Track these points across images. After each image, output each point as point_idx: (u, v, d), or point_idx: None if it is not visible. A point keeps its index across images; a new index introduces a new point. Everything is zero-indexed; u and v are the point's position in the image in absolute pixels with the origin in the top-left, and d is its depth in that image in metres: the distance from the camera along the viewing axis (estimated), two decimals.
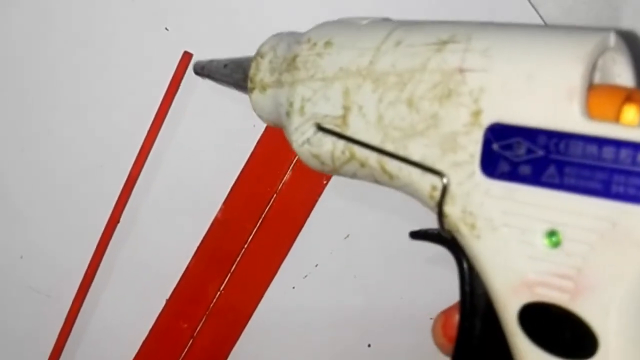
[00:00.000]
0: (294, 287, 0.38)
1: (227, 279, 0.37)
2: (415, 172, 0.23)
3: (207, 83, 0.37)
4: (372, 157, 0.24)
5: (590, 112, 0.20)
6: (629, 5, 0.39)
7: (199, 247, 0.37)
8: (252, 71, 0.29)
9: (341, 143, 0.25)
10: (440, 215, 0.22)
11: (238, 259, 0.37)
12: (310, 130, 0.26)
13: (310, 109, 0.26)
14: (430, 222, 0.27)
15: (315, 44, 0.26)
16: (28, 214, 0.37)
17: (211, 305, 0.37)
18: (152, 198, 0.37)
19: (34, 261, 0.38)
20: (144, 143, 0.37)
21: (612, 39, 0.21)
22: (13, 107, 0.37)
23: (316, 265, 0.38)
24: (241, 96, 0.38)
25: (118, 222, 0.37)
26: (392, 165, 0.24)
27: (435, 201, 0.22)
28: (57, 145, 0.37)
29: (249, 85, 0.29)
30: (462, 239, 0.22)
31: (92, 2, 0.37)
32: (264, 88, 0.28)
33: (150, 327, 0.37)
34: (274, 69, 0.28)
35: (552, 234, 0.20)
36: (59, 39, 0.37)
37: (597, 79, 0.22)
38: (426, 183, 0.23)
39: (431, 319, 0.37)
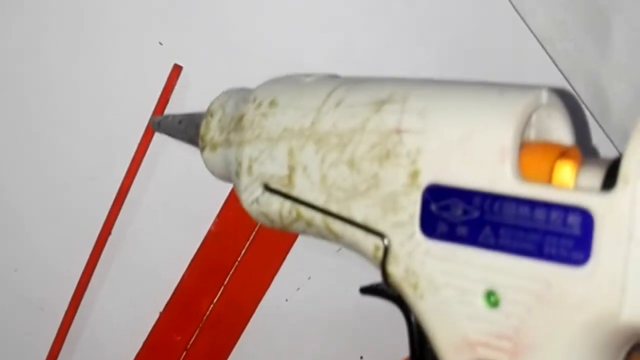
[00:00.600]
0: (287, 300, 0.38)
1: (220, 291, 0.37)
2: (358, 233, 0.23)
3: (197, 96, 0.37)
4: (317, 217, 0.24)
5: (523, 171, 0.20)
6: (620, 15, 0.39)
7: (192, 260, 0.37)
8: (202, 130, 0.29)
9: (288, 203, 0.25)
10: (385, 274, 0.23)
11: (231, 271, 0.37)
12: (258, 190, 0.26)
13: (258, 169, 0.26)
14: None
15: (260, 104, 0.27)
16: (21, 227, 0.37)
17: (204, 317, 0.37)
18: (144, 210, 0.37)
19: (27, 274, 0.37)
20: (135, 155, 0.37)
21: (544, 96, 0.22)
22: (6, 120, 0.37)
23: (309, 278, 0.38)
24: None
25: (110, 234, 0.37)
26: (337, 225, 0.24)
27: (378, 261, 0.23)
28: (48, 158, 0.37)
29: (200, 143, 0.29)
30: (407, 298, 0.22)
31: (86, 16, 0.37)
32: (214, 147, 0.28)
33: (143, 339, 0.37)
34: (223, 128, 0.28)
35: (490, 294, 0.21)
36: (53, 50, 0.37)
37: (533, 135, 0.22)
38: (369, 243, 0.23)
39: None
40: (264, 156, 0.26)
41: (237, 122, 0.27)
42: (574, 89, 0.38)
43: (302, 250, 0.37)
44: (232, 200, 0.37)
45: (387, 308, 0.38)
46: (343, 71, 0.37)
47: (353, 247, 0.24)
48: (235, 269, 0.37)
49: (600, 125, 0.37)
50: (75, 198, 0.37)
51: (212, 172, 0.30)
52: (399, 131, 0.22)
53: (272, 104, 0.26)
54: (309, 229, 0.25)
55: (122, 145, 0.37)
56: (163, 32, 0.37)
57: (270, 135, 0.26)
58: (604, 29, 0.39)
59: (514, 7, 0.37)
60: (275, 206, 0.25)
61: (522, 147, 0.21)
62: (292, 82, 0.27)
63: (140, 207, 0.37)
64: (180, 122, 0.32)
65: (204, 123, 0.29)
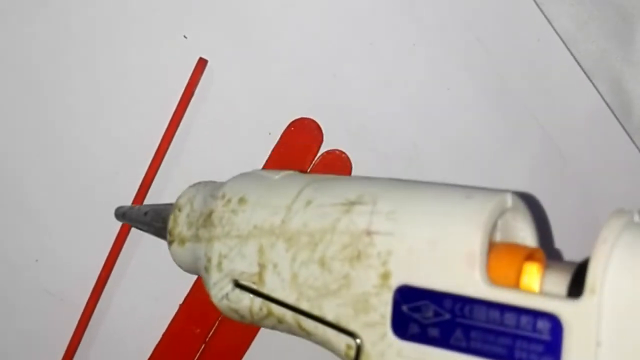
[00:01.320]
0: None
1: None
2: (330, 331, 0.23)
3: (222, 90, 0.37)
4: (288, 315, 0.25)
5: (491, 274, 0.21)
6: None
7: None
8: (170, 224, 0.29)
9: (258, 300, 0.25)
10: None
11: None
12: (228, 286, 0.26)
13: (228, 266, 0.26)
14: None
15: (229, 200, 0.27)
16: (43, 218, 0.38)
17: None
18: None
19: (48, 264, 0.38)
20: (158, 149, 0.37)
21: (509, 200, 0.22)
22: (29, 113, 0.37)
23: None
24: (257, 104, 0.38)
25: (132, 227, 0.37)
26: (308, 323, 0.24)
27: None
28: (71, 151, 0.38)
29: (168, 237, 0.29)
30: None
31: (110, 10, 0.37)
32: (182, 241, 0.29)
33: (163, 331, 0.38)
34: (192, 223, 0.28)
35: None
36: (75, 45, 0.37)
37: (499, 236, 0.23)
38: (341, 342, 0.23)
39: None
40: (233, 253, 0.26)
41: (206, 218, 0.27)
42: (597, 89, 0.38)
43: None
44: None
45: None
46: (365, 70, 0.37)
47: (325, 345, 0.24)
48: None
49: (622, 126, 0.38)
50: (98, 191, 0.38)
51: (180, 266, 0.30)
52: (369, 233, 0.23)
53: (242, 201, 0.27)
54: (280, 325, 0.26)
55: (146, 140, 0.37)
56: (187, 25, 0.37)
57: (240, 232, 0.26)
58: (628, 30, 0.39)
59: (538, 7, 0.37)
60: (246, 302, 0.26)
61: (489, 249, 0.21)
62: (261, 178, 0.28)
63: (162, 201, 0.37)
64: (145, 214, 0.32)
65: (171, 217, 0.29)
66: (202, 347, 0.38)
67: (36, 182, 0.38)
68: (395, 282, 0.22)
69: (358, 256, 0.23)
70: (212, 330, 0.38)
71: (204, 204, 0.28)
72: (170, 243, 0.29)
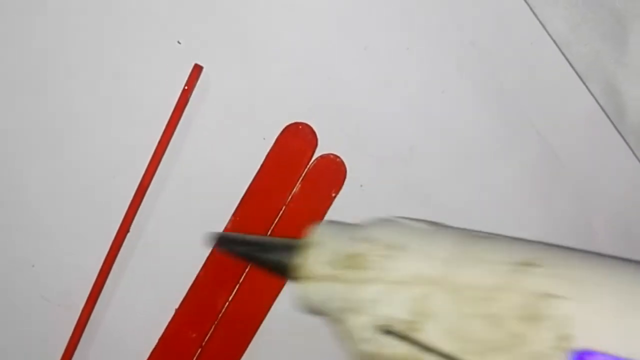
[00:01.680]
0: None
1: (236, 289, 0.38)
2: None
3: (217, 96, 0.38)
4: None
5: None
6: (636, 20, 0.39)
7: (208, 257, 0.38)
8: (300, 261, 0.28)
9: (406, 347, 0.24)
10: None
11: (247, 269, 0.37)
12: (370, 331, 0.25)
13: (374, 310, 0.25)
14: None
15: (379, 246, 0.26)
16: (39, 223, 0.38)
17: (220, 315, 0.38)
18: (162, 209, 0.38)
19: (45, 270, 0.38)
20: (154, 154, 0.37)
21: None
22: (25, 117, 0.38)
23: None
24: (251, 109, 0.38)
25: (128, 231, 0.37)
26: None
27: None
28: (67, 156, 0.38)
29: (294, 273, 0.28)
30: None
31: (106, 17, 0.37)
32: (314, 279, 0.27)
33: (159, 336, 0.38)
34: (329, 263, 0.27)
35: None
36: (71, 52, 0.38)
37: None
38: None
39: None
40: (383, 298, 0.25)
41: (352, 260, 0.26)
42: (591, 92, 0.38)
43: None
44: (248, 199, 0.37)
45: None
46: (359, 73, 0.37)
47: None
48: (251, 267, 0.37)
49: (616, 128, 0.38)
50: (94, 195, 0.38)
51: (302, 303, 0.29)
52: (548, 295, 0.23)
53: (395, 247, 0.26)
54: None
55: (142, 145, 0.37)
56: (182, 31, 0.37)
57: (392, 278, 0.25)
58: (621, 32, 0.39)
59: (532, 10, 0.37)
60: (391, 349, 0.25)
61: None
62: (410, 227, 0.28)
63: (158, 206, 0.38)
64: (261, 245, 0.31)
65: (303, 253, 0.28)
66: (199, 351, 0.38)
67: (32, 186, 0.38)
68: (574, 345, 0.22)
69: (534, 317, 0.22)
70: (208, 335, 0.38)
71: (346, 244, 0.27)
72: (297, 279, 0.28)
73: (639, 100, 0.38)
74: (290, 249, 0.29)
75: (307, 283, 0.28)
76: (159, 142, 0.37)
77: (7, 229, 0.38)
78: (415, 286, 0.25)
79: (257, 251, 0.31)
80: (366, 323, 0.25)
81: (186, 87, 0.37)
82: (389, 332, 0.25)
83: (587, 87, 0.38)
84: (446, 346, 0.24)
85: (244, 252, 0.31)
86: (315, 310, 0.29)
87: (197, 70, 0.37)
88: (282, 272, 0.29)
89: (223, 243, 0.33)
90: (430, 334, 0.24)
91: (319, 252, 0.28)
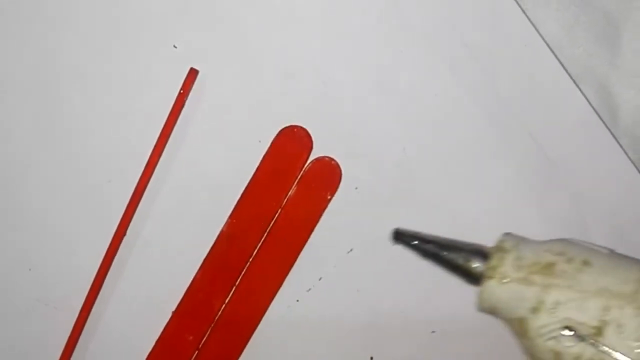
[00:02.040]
0: (297, 300, 0.38)
1: (232, 291, 0.38)
2: None
3: (213, 100, 0.38)
4: None
5: None
6: (629, 21, 0.39)
7: (204, 260, 0.38)
8: (494, 262, 0.33)
9: (591, 350, 0.29)
10: None
11: (243, 272, 0.38)
12: (558, 331, 0.30)
13: (563, 313, 0.30)
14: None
15: (572, 260, 0.31)
16: (36, 227, 0.38)
17: (216, 317, 0.38)
18: (158, 212, 0.38)
19: (41, 273, 0.38)
20: (150, 158, 0.37)
21: None
22: (20, 124, 0.38)
23: (320, 279, 0.38)
24: (247, 113, 0.39)
25: (125, 235, 0.38)
26: None
27: None
28: (64, 159, 0.38)
29: (487, 273, 0.33)
30: None
31: (100, 18, 0.38)
32: (504, 280, 0.32)
33: (156, 338, 0.38)
34: (520, 267, 0.32)
35: None
36: (67, 55, 0.38)
37: None
38: None
39: (433, 332, 0.38)
40: (572, 304, 0.30)
41: (545, 268, 0.32)
42: (584, 94, 0.38)
43: (313, 251, 0.38)
44: (245, 201, 0.38)
45: (398, 310, 0.38)
46: (353, 77, 0.38)
47: None
48: (247, 269, 0.38)
49: (609, 130, 0.38)
50: (91, 199, 0.38)
51: (484, 301, 0.33)
52: None
53: (585, 263, 0.31)
54: None
55: (138, 149, 0.37)
56: (178, 35, 0.38)
57: (583, 288, 0.30)
58: (614, 34, 0.39)
59: (524, 13, 0.37)
60: (575, 349, 0.30)
61: None
62: (591, 248, 0.32)
63: (155, 209, 0.38)
64: (442, 246, 0.35)
65: (496, 256, 0.33)
66: (195, 353, 0.38)
67: (29, 189, 0.38)
68: None
69: None
70: (205, 337, 0.38)
71: (536, 254, 0.32)
72: (488, 278, 0.32)
73: (632, 102, 0.39)
74: (479, 252, 0.34)
75: (494, 282, 0.32)
76: (156, 145, 0.37)
77: (4, 232, 0.38)
78: (605, 298, 0.30)
79: (441, 250, 0.35)
80: (555, 323, 0.30)
81: (182, 91, 0.37)
82: (575, 334, 0.30)
83: (579, 89, 0.38)
84: (627, 352, 0.29)
85: (428, 249, 0.35)
86: (496, 309, 0.33)
87: (193, 73, 0.37)
88: (468, 272, 0.34)
89: (400, 237, 0.36)
90: (613, 341, 0.29)
91: (513, 258, 0.32)
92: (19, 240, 0.38)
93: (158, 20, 0.38)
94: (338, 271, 0.38)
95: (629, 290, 0.30)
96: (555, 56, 0.38)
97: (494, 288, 0.32)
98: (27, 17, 0.38)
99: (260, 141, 0.38)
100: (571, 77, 0.38)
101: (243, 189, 0.38)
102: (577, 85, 0.38)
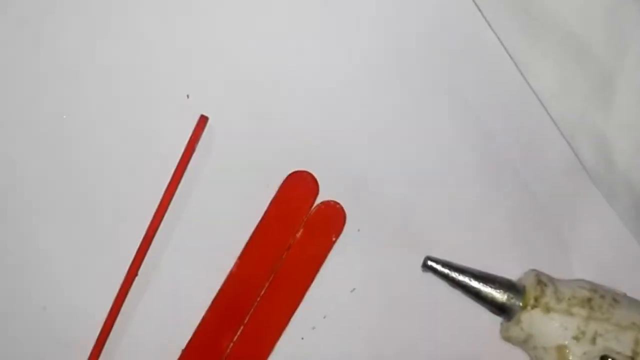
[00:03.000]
0: (302, 338, 0.40)
1: (240, 330, 0.39)
2: None
3: (223, 145, 0.39)
4: None
5: None
6: (622, 74, 0.40)
7: (214, 300, 0.39)
8: (536, 293, 0.36)
9: None
10: None
11: (251, 311, 0.39)
12: (597, 358, 0.34)
13: (602, 343, 0.34)
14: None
15: (604, 297, 0.36)
16: (50, 265, 0.39)
17: (224, 356, 0.39)
18: (169, 254, 0.39)
19: (56, 312, 0.39)
20: (161, 201, 0.39)
21: None
22: (34, 167, 0.39)
23: (324, 317, 0.40)
24: (256, 158, 0.40)
25: (137, 275, 0.39)
26: None
27: None
28: (78, 203, 0.39)
29: (531, 303, 0.36)
30: None
31: (115, 70, 0.39)
32: (547, 310, 0.35)
33: None
34: (560, 300, 0.35)
35: None
36: (81, 101, 0.39)
37: None
38: None
39: None
40: (610, 335, 0.35)
41: (584, 302, 0.35)
42: (572, 146, 0.40)
43: (318, 291, 0.39)
44: (253, 243, 0.39)
45: (400, 348, 0.40)
46: (358, 126, 0.39)
47: None
48: (255, 309, 0.39)
49: (601, 181, 0.40)
50: (104, 240, 0.39)
51: (521, 330, 0.36)
52: None
53: (615, 301, 0.36)
54: None
55: (149, 193, 0.39)
56: (189, 83, 0.39)
57: (618, 322, 0.35)
58: (609, 89, 0.40)
59: (518, 69, 0.40)
60: None
61: None
62: (614, 289, 0.37)
63: (166, 251, 0.39)
64: (476, 277, 0.37)
65: (538, 288, 0.36)
66: None
67: (42, 233, 0.39)
68: None
69: None
70: None
71: (572, 290, 0.36)
72: (531, 308, 0.36)
73: (626, 151, 0.40)
74: (509, 284, 0.37)
75: (538, 312, 0.35)
76: (167, 189, 0.39)
77: (18, 272, 0.39)
78: (636, 332, 0.35)
79: (472, 279, 0.37)
80: (596, 351, 0.34)
81: (192, 137, 0.39)
82: None
83: (566, 139, 0.40)
84: None
85: (458, 278, 0.37)
86: (532, 337, 0.36)
87: (203, 121, 0.39)
88: (500, 303, 0.37)
89: (431, 265, 0.38)
90: None
91: (552, 291, 0.36)
92: (33, 280, 0.39)
93: (170, 68, 0.39)
94: (342, 310, 0.40)
95: None
96: (545, 108, 0.40)
97: (537, 317, 0.35)
98: (43, 71, 0.39)
99: (268, 185, 0.39)
100: (558, 128, 0.40)
101: (252, 231, 0.39)
102: (563, 135, 0.40)
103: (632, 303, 0.36)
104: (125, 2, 0.39)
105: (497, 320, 0.38)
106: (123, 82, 0.39)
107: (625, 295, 0.37)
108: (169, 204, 0.39)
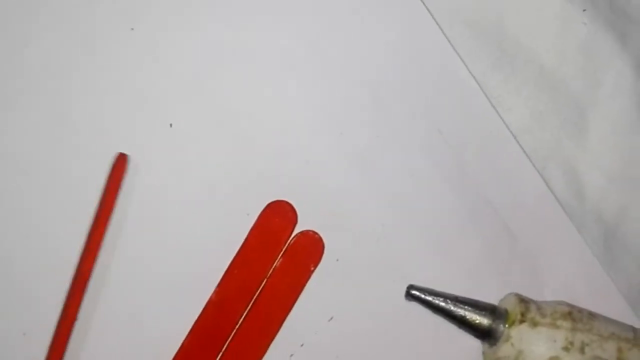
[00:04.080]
0: None
1: (219, 357, 0.40)
2: None
3: (206, 176, 0.40)
4: None
5: None
6: (595, 107, 0.42)
7: (193, 326, 0.40)
8: (521, 309, 0.37)
9: None
10: None
11: (230, 338, 0.40)
12: None
13: (590, 352, 0.36)
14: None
15: (581, 311, 0.37)
16: (30, 292, 0.39)
17: None
18: (149, 279, 0.40)
19: (36, 338, 0.39)
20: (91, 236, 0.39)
21: None
22: None
23: (302, 345, 0.40)
24: (236, 186, 0.41)
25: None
26: None
27: None
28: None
29: (518, 318, 0.37)
30: None
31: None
32: (534, 324, 0.37)
33: None
34: (544, 315, 0.37)
35: None
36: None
37: None
38: None
39: None
40: (595, 344, 0.36)
41: (566, 315, 0.37)
42: (544, 178, 0.41)
43: (296, 319, 0.40)
44: (232, 271, 0.40)
45: None
46: (335, 157, 0.40)
47: None
48: (234, 336, 0.40)
49: (564, 210, 0.41)
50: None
51: (511, 346, 0.37)
52: None
53: (592, 315, 0.37)
54: None
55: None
56: (173, 112, 0.40)
57: (600, 332, 0.37)
58: (582, 120, 0.41)
59: (490, 102, 0.41)
60: None
61: None
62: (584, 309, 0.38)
63: (147, 277, 0.40)
64: (460, 302, 0.38)
65: (521, 305, 0.37)
66: None
67: (19, 259, 0.40)
68: None
69: None
70: None
71: (552, 306, 0.37)
72: (519, 323, 0.37)
73: (597, 182, 0.41)
74: (489, 308, 0.38)
75: (525, 326, 0.37)
76: (94, 226, 0.39)
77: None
78: (617, 341, 0.36)
79: (458, 306, 0.38)
80: (582, 359, 0.36)
81: (113, 176, 0.39)
82: None
83: (538, 171, 0.41)
84: None
85: (443, 307, 0.39)
86: (522, 353, 0.37)
87: (122, 159, 0.39)
88: (480, 325, 0.38)
89: (414, 293, 0.39)
90: None
91: (535, 308, 0.37)
92: (12, 307, 0.39)
93: (152, 97, 0.40)
94: (319, 338, 0.40)
95: (631, 336, 0.37)
96: (517, 142, 0.41)
97: (525, 332, 0.36)
98: None
99: (248, 214, 0.40)
100: (530, 161, 0.41)
101: (231, 259, 0.40)
102: (536, 168, 0.41)
103: (606, 318, 0.38)
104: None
105: (478, 347, 0.39)
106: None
107: (597, 313, 0.38)
108: (101, 241, 0.39)
